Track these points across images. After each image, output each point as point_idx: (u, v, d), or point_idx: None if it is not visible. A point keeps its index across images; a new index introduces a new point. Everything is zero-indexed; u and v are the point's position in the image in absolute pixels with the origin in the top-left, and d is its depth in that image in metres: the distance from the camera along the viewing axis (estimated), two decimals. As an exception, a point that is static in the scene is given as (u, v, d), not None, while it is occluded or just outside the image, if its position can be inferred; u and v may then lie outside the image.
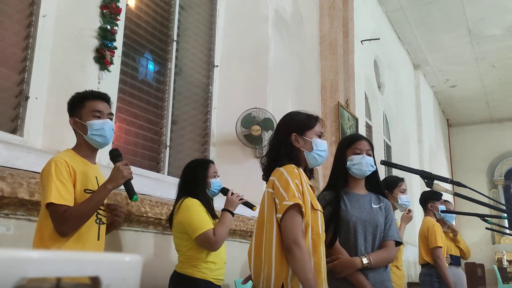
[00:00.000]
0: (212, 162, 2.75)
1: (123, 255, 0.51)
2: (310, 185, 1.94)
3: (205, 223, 2.47)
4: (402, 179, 3.31)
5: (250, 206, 2.65)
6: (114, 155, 2.00)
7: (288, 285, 1.73)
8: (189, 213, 2.49)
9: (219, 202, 2.80)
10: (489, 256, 11.48)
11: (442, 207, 4.03)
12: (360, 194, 2.25)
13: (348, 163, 2.22)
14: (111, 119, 1.99)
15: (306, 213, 1.80)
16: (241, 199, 2.65)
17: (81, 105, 1.96)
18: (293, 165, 1.87)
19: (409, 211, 3.37)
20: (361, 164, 2.20)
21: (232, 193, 2.64)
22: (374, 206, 2.22)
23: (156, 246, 2.88)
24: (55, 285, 0.47)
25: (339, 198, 2.19)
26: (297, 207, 1.77)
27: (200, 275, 2.46)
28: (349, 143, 2.27)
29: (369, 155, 2.23)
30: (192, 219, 2.47)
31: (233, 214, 2.60)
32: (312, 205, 1.84)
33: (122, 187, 1.94)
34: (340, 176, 2.25)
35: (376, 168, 2.28)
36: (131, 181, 1.94)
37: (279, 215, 1.77)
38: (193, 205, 2.52)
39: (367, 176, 2.26)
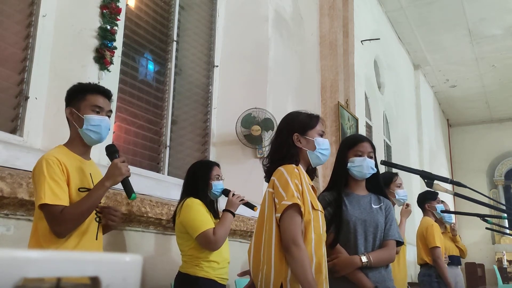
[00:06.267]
0: (217, 165, 2.75)
1: (123, 255, 0.51)
2: (312, 186, 1.94)
3: (205, 222, 2.48)
4: (396, 174, 3.27)
5: (251, 206, 2.66)
6: (111, 151, 1.90)
7: (287, 286, 1.72)
8: (189, 213, 2.50)
9: (224, 204, 2.81)
10: (489, 256, 11.48)
11: (440, 206, 4.03)
12: (360, 195, 2.25)
13: (349, 164, 2.22)
14: (109, 116, 1.92)
15: (306, 212, 1.80)
16: (242, 199, 2.66)
17: (82, 97, 1.87)
18: (294, 165, 1.87)
19: (407, 205, 3.34)
20: (362, 166, 2.20)
21: (233, 194, 2.65)
22: (374, 206, 2.22)
23: (156, 246, 2.88)
24: (55, 285, 0.47)
25: (340, 199, 2.19)
26: (295, 207, 1.77)
27: (202, 273, 2.47)
28: (351, 145, 2.27)
29: (371, 157, 2.23)
30: (192, 219, 2.49)
31: (234, 215, 2.61)
32: (312, 205, 1.84)
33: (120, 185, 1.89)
34: (341, 177, 2.25)
35: (378, 169, 2.28)
36: (129, 178, 1.86)
37: (278, 215, 1.77)
38: (193, 205, 2.53)
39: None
